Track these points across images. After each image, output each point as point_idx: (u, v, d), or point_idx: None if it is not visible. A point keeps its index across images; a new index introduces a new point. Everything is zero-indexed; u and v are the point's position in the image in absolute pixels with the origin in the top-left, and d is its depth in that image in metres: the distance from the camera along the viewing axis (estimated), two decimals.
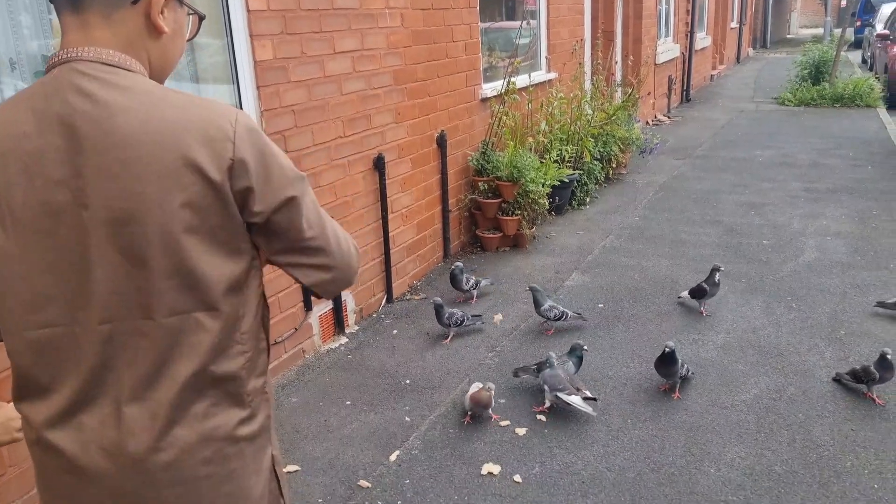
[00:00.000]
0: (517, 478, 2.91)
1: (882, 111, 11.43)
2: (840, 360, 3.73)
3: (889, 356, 3.28)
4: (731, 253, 5.35)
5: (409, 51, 4.59)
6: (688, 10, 13.11)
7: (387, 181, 4.47)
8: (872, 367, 3.30)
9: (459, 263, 4.63)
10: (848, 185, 7.12)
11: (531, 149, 5.79)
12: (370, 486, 2.90)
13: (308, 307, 3.93)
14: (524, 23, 6.68)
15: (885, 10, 18.02)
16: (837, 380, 3.52)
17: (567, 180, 6.08)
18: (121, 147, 1.08)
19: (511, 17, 6.75)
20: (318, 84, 3.81)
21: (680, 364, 3.40)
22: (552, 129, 6.34)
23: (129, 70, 1.13)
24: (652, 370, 3.52)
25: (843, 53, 15.18)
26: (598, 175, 7.00)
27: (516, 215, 5.45)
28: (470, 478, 2.93)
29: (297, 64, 3.66)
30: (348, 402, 3.54)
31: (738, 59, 20.90)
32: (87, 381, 1.15)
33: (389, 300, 4.69)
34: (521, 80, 5.95)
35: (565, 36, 7.34)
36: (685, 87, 13.35)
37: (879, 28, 15.92)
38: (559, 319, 4.15)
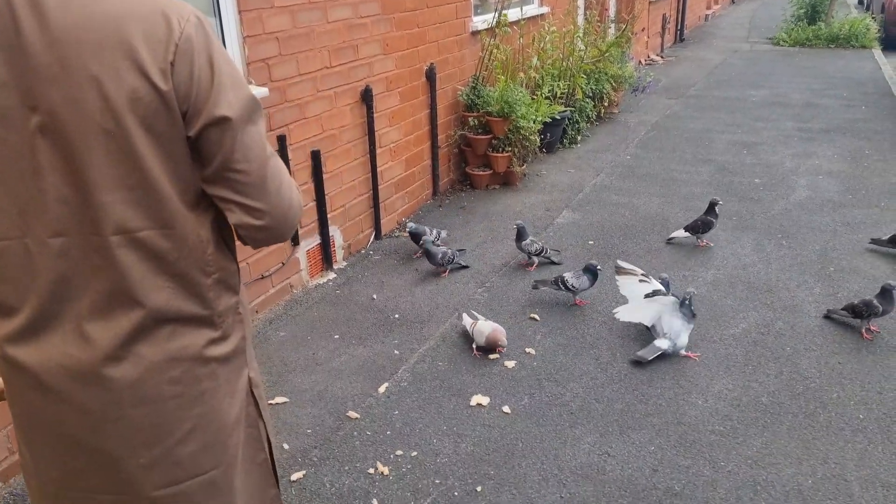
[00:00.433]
0: (506, 409, 2.92)
1: (877, 52, 11.29)
2: (829, 297, 3.73)
3: (892, 289, 3.27)
4: (723, 191, 5.31)
5: None
6: None
7: (374, 115, 4.35)
8: (875, 300, 3.30)
9: (428, 237, 4.21)
10: (841, 126, 7.05)
11: (522, 84, 5.66)
12: (359, 416, 2.90)
13: (295, 241, 3.87)
14: None
15: None
16: (828, 316, 3.53)
17: (559, 117, 5.97)
18: (62, 44, 1.01)
19: None
20: (303, 10, 3.66)
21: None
22: (544, 65, 6.19)
23: None
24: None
25: None
26: (590, 113, 6.89)
27: (507, 152, 5.36)
28: (459, 409, 2.93)
29: None
30: (337, 336, 3.51)
31: None
32: (46, 298, 1.11)
33: (378, 236, 4.64)
34: (512, 14, 5.77)
35: None
36: (679, 27, 13.10)
37: None
38: (539, 254, 4.15)
